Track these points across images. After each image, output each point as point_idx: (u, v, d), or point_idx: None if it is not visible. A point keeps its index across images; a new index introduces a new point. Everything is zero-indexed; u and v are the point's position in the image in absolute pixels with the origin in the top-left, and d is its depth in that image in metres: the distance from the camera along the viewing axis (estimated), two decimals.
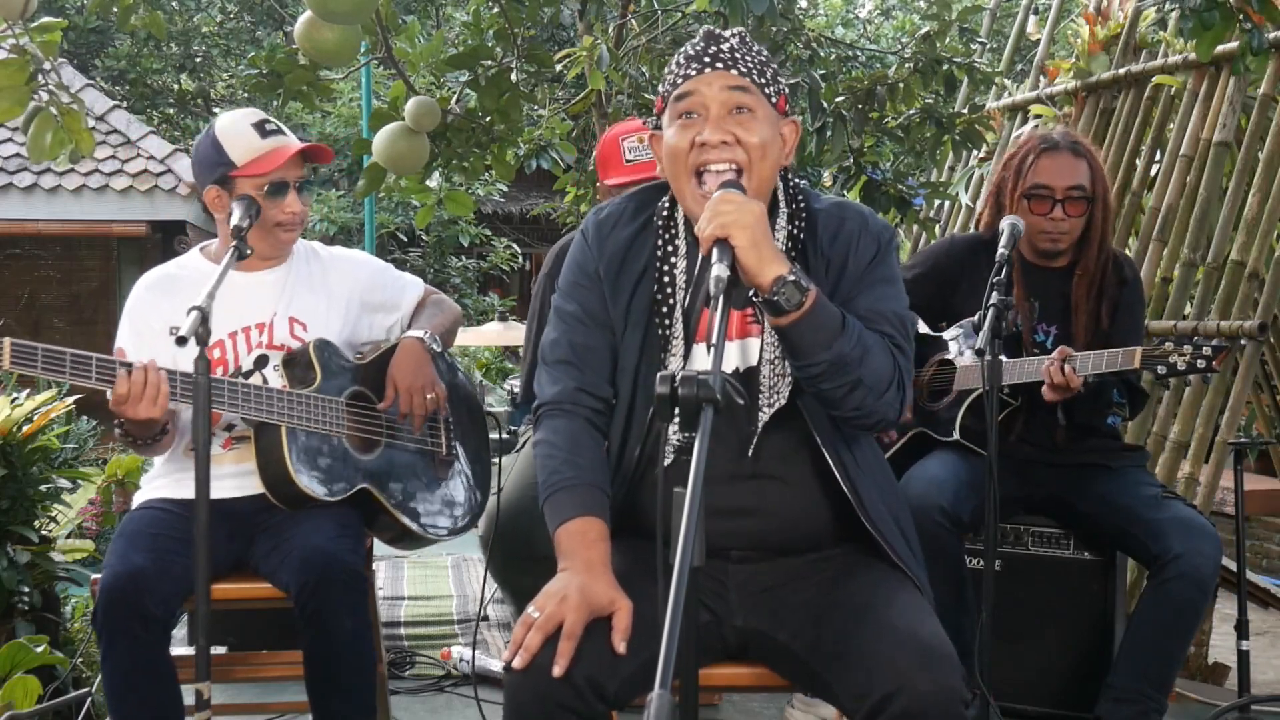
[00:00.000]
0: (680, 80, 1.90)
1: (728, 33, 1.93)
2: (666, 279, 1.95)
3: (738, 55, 1.89)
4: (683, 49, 1.94)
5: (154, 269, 2.68)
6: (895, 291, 1.96)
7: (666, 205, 1.99)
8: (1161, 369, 2.74)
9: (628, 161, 3.09)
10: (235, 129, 2.56)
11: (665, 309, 1.94)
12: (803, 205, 1.98)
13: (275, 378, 2.56)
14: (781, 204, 1.97)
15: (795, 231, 1.96)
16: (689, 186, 1.89)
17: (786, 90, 1.96)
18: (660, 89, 1.97)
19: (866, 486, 1.92)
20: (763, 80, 1.89)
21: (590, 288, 2.00)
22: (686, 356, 1.92)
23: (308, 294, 2.66)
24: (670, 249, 1.97)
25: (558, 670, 1.65)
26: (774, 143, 1.90)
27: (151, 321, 2.53)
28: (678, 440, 1.90)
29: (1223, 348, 2.74)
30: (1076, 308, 3.00)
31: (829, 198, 2.03)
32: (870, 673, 1.70)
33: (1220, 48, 3.69)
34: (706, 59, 1.89)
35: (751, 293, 1.76)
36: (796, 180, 2.01)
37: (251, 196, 2.47)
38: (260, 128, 2.56)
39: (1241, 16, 3.18)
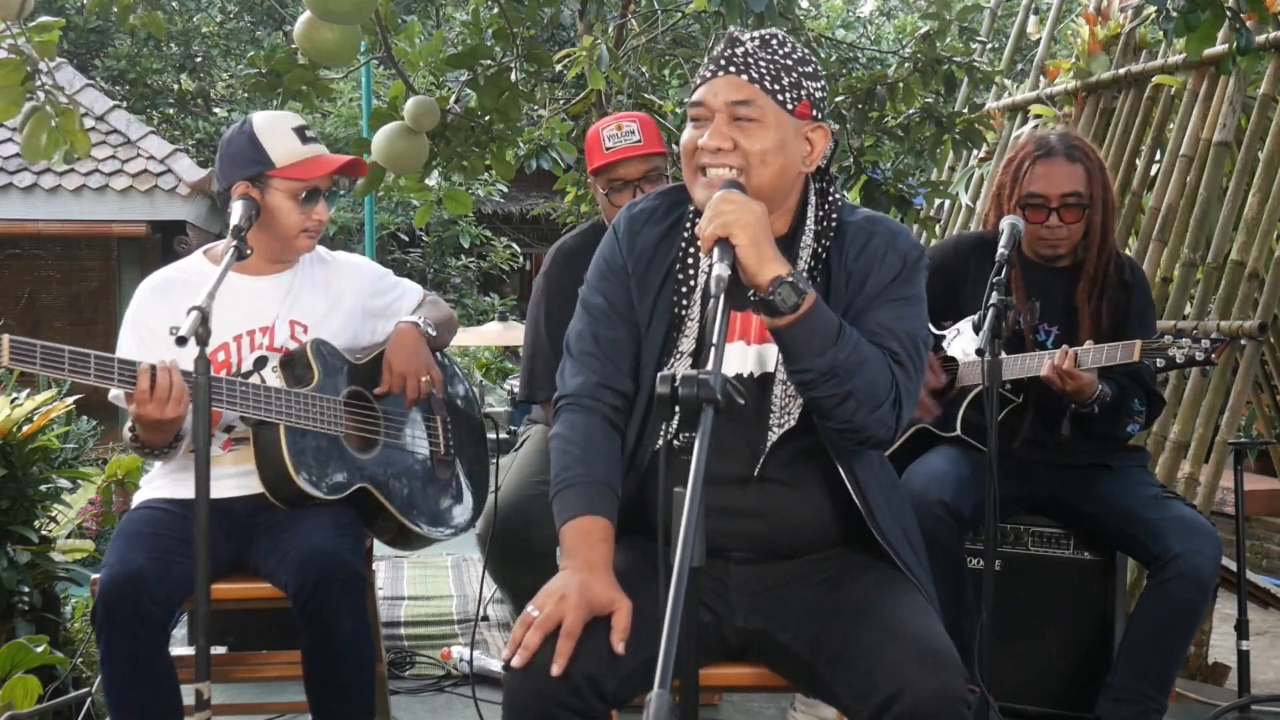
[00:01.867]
0: (699, 82, 1.92)
1: (749, 34, 1.92)
2: (693, 277, 1.96)
3: (750, 60, 1.87)
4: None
5: (156, 272, 2.68)
6: (913, 312, 1.93)
7: (694, 207, 2.00)
8: (1160, 361, 2.75)
9: (606, 149, 3.16)
10: (276, 131, 2.56)
11: (688, 308, 1.95)
12: (834, 219, 1.97)
13: (273, 378, 2.56)
14: (810, 216, 1.96)
15: (821, 246, 1.95)
16: (695, 181, 1.91)
17: (816, 95, 1.92)
18: None
19: (876, 498, 1.92)
20: (776, 86, 1.87)
21: (617, 282, 2.00)
22: (704, 358, 1.92)
23: (311, 297, 2.67)
24: (697, 252, 1.96)
25: (556, 669, 1.66)
26: (782, 149, 1.88)
27: (154, 325, 2.52)
28: (679, 441, 1.90)
29: (1220, 340, 2.75)
30: (1078, 309, 2.99)
31: (864, 211, 2.02)
32: (873, 673, 1.69)
33: (1212, 49, 3.69)
34: (722, 61, 1.89)
35: (750, 293, 1.76)
36: (833, 193, 1.99)
37: (253, 198, 2.48)
38: (300, 133, 2.58)
39: (1231, 15, 3.15)
